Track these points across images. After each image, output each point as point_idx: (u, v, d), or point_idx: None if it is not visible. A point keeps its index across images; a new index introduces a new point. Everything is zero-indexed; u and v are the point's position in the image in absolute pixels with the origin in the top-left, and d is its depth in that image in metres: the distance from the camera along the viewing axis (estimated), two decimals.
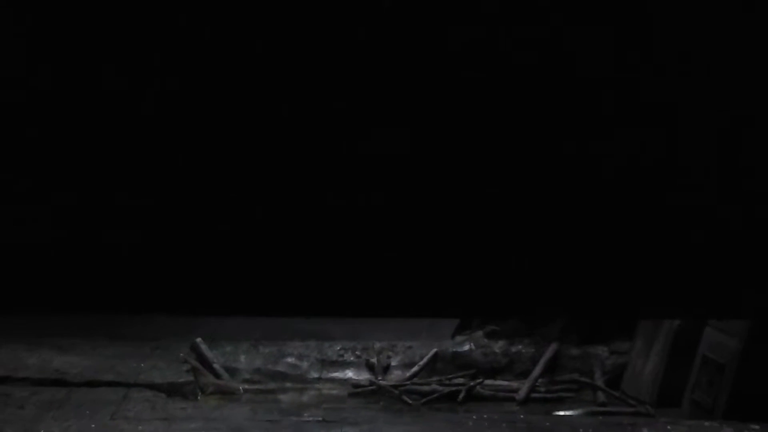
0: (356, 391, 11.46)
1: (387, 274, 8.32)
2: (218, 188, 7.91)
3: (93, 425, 10.21)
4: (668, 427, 10.24)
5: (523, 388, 11.37)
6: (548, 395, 11.37)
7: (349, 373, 11.83)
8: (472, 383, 11.42)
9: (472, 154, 7.77)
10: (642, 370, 11.24)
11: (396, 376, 11.76)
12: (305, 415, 10.64)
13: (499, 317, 12.65)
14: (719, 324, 10.51)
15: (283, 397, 11.33)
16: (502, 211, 8.19)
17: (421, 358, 11.83)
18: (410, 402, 11.15)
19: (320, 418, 10.50)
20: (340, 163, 7.84)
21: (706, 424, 10.22)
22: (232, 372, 11.74)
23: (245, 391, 11.46)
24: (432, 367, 11.77)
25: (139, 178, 7.82)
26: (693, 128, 7.96)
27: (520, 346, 11.92)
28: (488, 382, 11.54)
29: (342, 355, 12.05)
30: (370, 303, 8.44)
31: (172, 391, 11.14)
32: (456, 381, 11.51)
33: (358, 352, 12.06)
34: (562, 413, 10.93)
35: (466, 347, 11.98)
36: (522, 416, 10.74)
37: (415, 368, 11.73)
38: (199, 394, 11.24)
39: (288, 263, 8.21)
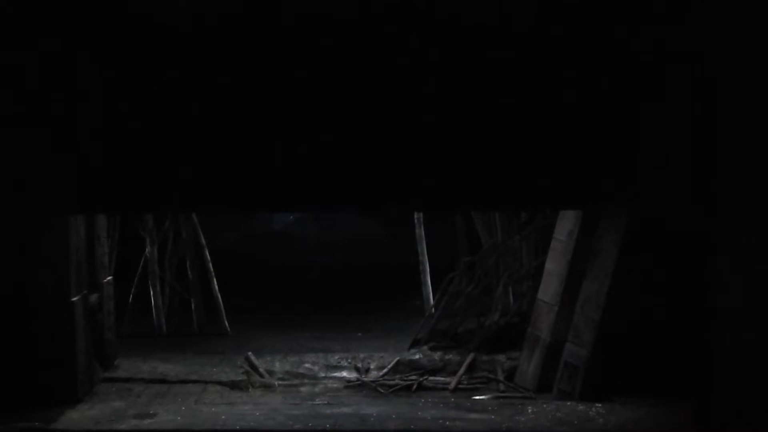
0: (349, 385, 11.33)
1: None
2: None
3: (183, 408, 10.27)
4: (544, 405, 10.26)
5: (453, 381, 11.23)
6: (469, 386, 11.18)
7: (344, 373, 11.66)
8: (421, 379, 11.31)
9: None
10: (527, 369, 11.10)
11: (373, 375, 11.58)
12: (317, 400, 10.73)
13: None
14: (575, 340, 10.48)
15: (303, 389, 11.20)
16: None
17: (389, 363, 11.69)
18: (382, 391, 11.08)
19: (326, 402, 10.60)
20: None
21: (568, 403, 10.25)
22: (271, 373, 11.58)
23: (279, 385, 11.28)
24: (396, 369, 11.61)
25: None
26: None
27: (450, 355, 11.77)
28: (431, 378, 11.38)
29: (340, 362, 11.91)
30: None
31: (233, 386, 11.12)
32: (411, 377, 11.37)
33: (349, 360, 11.90)
34: (477, 397, 10.85)
35: (417, 356, 11.83)
36: (452, 399, 10.78)
37: (385, 369, 11.59)
38: (250, 387, 11.17)
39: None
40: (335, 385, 11.36)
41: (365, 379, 11.46)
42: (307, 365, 11.87)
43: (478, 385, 11.23)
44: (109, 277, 11.74)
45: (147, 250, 13.51)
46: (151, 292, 13.49)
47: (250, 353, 11.91)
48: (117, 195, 8.57)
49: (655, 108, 8.32)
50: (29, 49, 8.32)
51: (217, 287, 13.62)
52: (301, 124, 8.26)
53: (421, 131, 8.28)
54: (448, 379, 11.35)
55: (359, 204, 9.01)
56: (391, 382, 11.29)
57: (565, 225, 11.00)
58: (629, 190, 8.53)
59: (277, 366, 11.79)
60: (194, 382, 11.17)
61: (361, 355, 12.07)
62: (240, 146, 8.38)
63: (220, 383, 11.17)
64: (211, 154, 8.37)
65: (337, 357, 12.10)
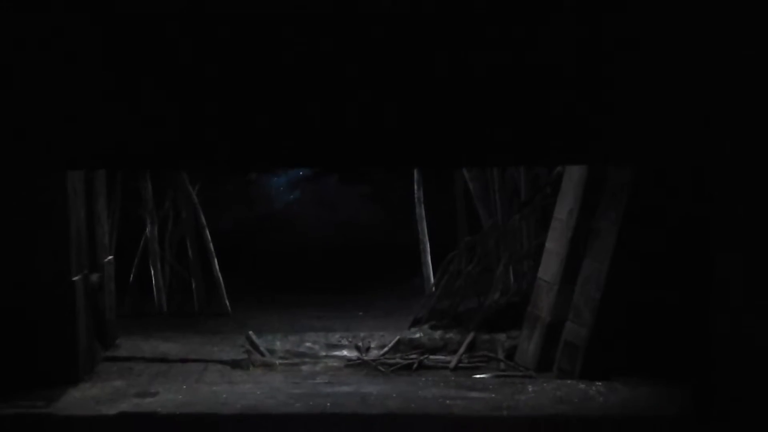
0: (349, 363, 11.38)
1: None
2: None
3: (184, 386, 10.27)
4: (544, 384, 10.25)
5: (453, 360, 11.28)
6: (469, 365, 11.23)
7: (345, 352, 11.71)
8: (421, 358, 11.36)
9: None
10: (527, 348, 11.11)
11: (374, 354, 11.63)
12: (318, 379, 10.75)
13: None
14: (575, 320, 10.49)
15: (304, 368, 11.25)
16: None
17: (390, 342, 11.74)
18: (383, 370, 11.12)
19: (327, 381, 10.60)
20: None
21: (568, 382, 10.24)
22: (272, 352, 11.62)
23: (280, 364, 11.33)
24: (396, 348, 11.66)
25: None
26: None
27: (451, 334, 11.82)
28: (431, 357, 11.44)
29: (340, 341, 11.95)
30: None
31: (234, 365, 11.11)
32: (411, 356, 11.42)
33: (350, 339, 11.95)
34: (478, 376, 10.87)
35: (418, 335, 11.89)
36: (453, 378, 10.81)
37: (386, 349, 11.65)
38: (251, 366, 11.20)
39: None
40: (336, 364, 11.39)
41: (366, 358, 11.49)
42: (307, 344, 11.89)
43: (479, 364, 11.26)
44: (110, 257, 11.74)
45: (147, 229, 13.51)
46: (152, 272, 13.50)
47: (250, 332, 11.93)
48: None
49: None
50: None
51: (217, 267, 13.63)
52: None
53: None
54: (448, 358, 11.39)
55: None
56: (392, 361, 11.33)
57: (566, 204, 10.99)
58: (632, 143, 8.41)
59: (278, 345, 11.81)
60: (195, 361, 11.16)
61: (362, 334, 12.10)
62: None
63: (221, 362, 11.16)
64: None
65: (337, 336, 12.11)
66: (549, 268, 11.10)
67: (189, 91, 8.28)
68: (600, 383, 10.08)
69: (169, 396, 9.87)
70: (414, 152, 8.42)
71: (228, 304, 13.53)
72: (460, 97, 8.19)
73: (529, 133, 8.24)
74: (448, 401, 9.74)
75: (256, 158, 8.93)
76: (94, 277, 11.02)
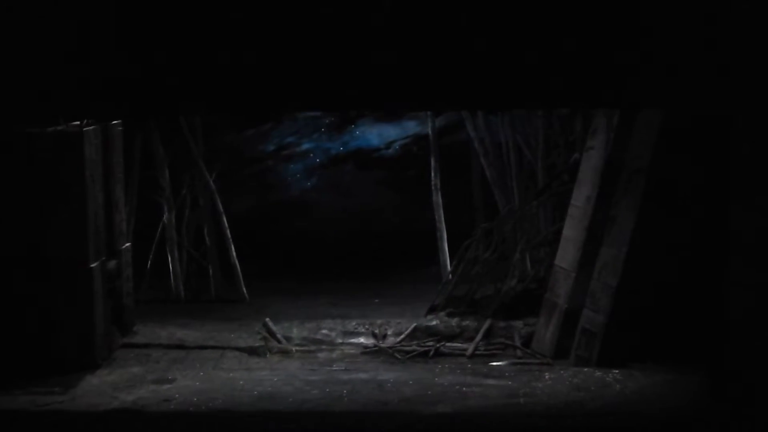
0: (366, 351, 11.38)
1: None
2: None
3: (201, 373, 10.32)
4: (561, 371, 10.27)
5: (470, 347, 11.25)
6: (485, 352, 11.20)
7: (361, 339, 11.69)
8: (438, 345, 11.34)
9: None
10: (544, 336, 11.08)
11: (390, 341, 11.61)
12: (334, 366, 10.78)
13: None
14: (593, 307, 10.45)
15: (320, 355, 11.22)
16: None
17: (406, 330, 11.71)
18: (399, 357, 11.12)
19: (343, 368, 10.65)
20: None
21: (585, 369, 10.24)
22: (288, 339, 11.61)
23: (296, 351, 11.32)
24: (413, 335, 11.63)
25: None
26: None
27: (467, 322, 11.76)
28: (448, 344, 11.40)
29: (357, 328, 11.91)
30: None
31: (251, 351, 11.15)
32: (428, 344, 11.39)
33: (366, 326, 11.90)
34: (494, 363, 10.85)
35: (434, 322, 11.84)
36: (469, 365, 10.81)
37: (402, 336, 11.61)
38: (268, 353, 11.21)
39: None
40: (352, 351, 11.38)
41: (382, 345, 11.49)
42: (324, 331, 11.89)
43: (495, 351, 11.24)
44: (128, 244, 11.77)
45: (164, 216, 13.53)
46: (169, 259, 13.53)
47: (267, 319, 11.93)
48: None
49: None
50: None
51: (234, 254, 13.64)
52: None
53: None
54: (465, 345, 11.36)
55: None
56: (408, 348, 11.33)
57: (583, 191, 10.96)
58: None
59: (295, 332, 11.81)
60: (212, 347, 11.20)
61: (378, 321, 12.08)
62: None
63: (238, 349, 11.19)
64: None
65: (354, 323, 12.10)
66: (566, 255, 11.07)
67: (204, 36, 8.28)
68: (617, 370, 10.07)
69: (186, 382, 9.92)
70: (474, 94, 8.55)
71: (245, 290, 13.54)
72: (516, 43, 8.30)
73: (579, 78, 8.37)
74: (464, 388, 9.77)
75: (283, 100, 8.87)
76: (112, 263, 11.05)
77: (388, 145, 17.77)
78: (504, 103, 9.93)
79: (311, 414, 9.07)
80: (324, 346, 11.54)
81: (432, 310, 12.29)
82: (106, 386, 9.76)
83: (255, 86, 8.41)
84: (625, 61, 8.28)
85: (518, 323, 11.64)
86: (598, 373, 10.06)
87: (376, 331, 11.86)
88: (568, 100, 9.14)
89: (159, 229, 13.57)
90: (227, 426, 8.87)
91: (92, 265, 10.28)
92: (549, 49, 8.29)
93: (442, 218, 13.59)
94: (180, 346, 11.20)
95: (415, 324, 11.82)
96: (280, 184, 18.22)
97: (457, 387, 9.80)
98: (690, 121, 9.75)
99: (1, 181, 9.87)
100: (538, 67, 8.33)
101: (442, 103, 9.90)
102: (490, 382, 9.99)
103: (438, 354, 11.19)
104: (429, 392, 9.61)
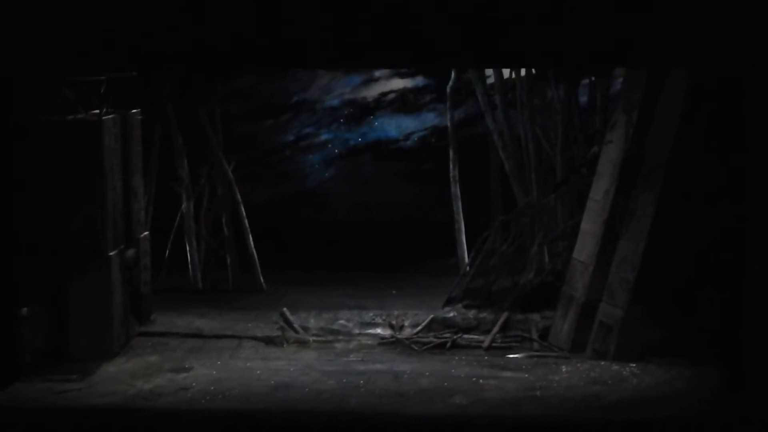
0: (382, 341, 11.34)
1: None
2: None
3: (219, 362, 10.34)
4: (578, 364, 10.26)
5: (487, 339, 11.21)
6: (502, 345, 11.15)
7: (378, 330, 11.64)
8: (455, 337, 11.30)
9: None
10: (562, 329, 11.05)
11: (407, 332, 11.56)
12: (351, 356, 10.79)
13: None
14: (610, 300, 10.43)
15: (337, 345, 11.20)
16: None
17: (423, 321, 11.66)
18: (416, 348, 11.08)
19: (360, 359, 10.65)
20: None
21: (602, 363, 10.23)
22: (305, 329, 11.58)
23: (313, 341, 11.30)
24: (430, 326, 11.58)
25: None
26: None
27: (484, 314, 11.72)
28: (465, 336, 11.36)
29: (374, 319, 11.89)
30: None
31: (268, 341, 11.16)
32: (445, 335, 11.35)
33: (383, 317, 11.88)
34: (511, 356, 10.83)
35: (451, 314, 11.81)
36: (486, 357, 10.78)
37: (419, 327, 11.57)
38: (285, 343, 11.19)
39: None
40: (369, 342, 11.37)
41: (399, 336, 11.46)
42: (341, 322, 11.88)
43: (512, 344, 11.21)
44: (146, 233, 11.79)
45: (183, 206, 13.55)
46: (187, 248, 13.55)
47: (285, 309, 11.92)
48: None
49: None
50: None
51: (252, 243, 13.65)
52: None
53: None
54: (481, 338, 11.34)
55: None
56: (425, 340, 11.30)
57: (602, 185, 10.92)
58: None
59: (312, 322, 11.81)
60: (229, 337, 11.22)
61: (395, 313, 12.07)
62: None
63: (255, 339, 11.21)
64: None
65: (371, 314, 12.10)
66: (584, 249, 11.04)
67: None
68: (634, 364, 10.06)
69: (203, 371, 9.94)
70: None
71: (262, 280, 13.55)
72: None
73: (603, 38, 8.62)
74: (481, 381, 9.77)
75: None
76: (130, 252, 11.07)
77: (407, 137, 17.74)
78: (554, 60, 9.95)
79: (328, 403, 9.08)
80: (341, 337, 11.52)
81: (449, 301, 12.28)
82: (123, 374, 9.78)
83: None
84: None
85: (535, 316, 11.62)
86: (615, 367, 10.04)
87: (393, 322, 11.83)
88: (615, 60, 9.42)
89: (177, 219, 13.58)
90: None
91: (110, 254, 10.30)
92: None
93: (461, 210, 13.55)
94: (197, 335, 11.22)
95: (432, 315, 11.79)
96: (298, 175, 18.22)
97: (474, 379, 9.79)
98: (709, 118, 9.72)
99: (19, 169, 9.88)
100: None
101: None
102: (507, 374, 9.98)
103: (455, 346, 11.16)
104: (445, 384, 9.60)
